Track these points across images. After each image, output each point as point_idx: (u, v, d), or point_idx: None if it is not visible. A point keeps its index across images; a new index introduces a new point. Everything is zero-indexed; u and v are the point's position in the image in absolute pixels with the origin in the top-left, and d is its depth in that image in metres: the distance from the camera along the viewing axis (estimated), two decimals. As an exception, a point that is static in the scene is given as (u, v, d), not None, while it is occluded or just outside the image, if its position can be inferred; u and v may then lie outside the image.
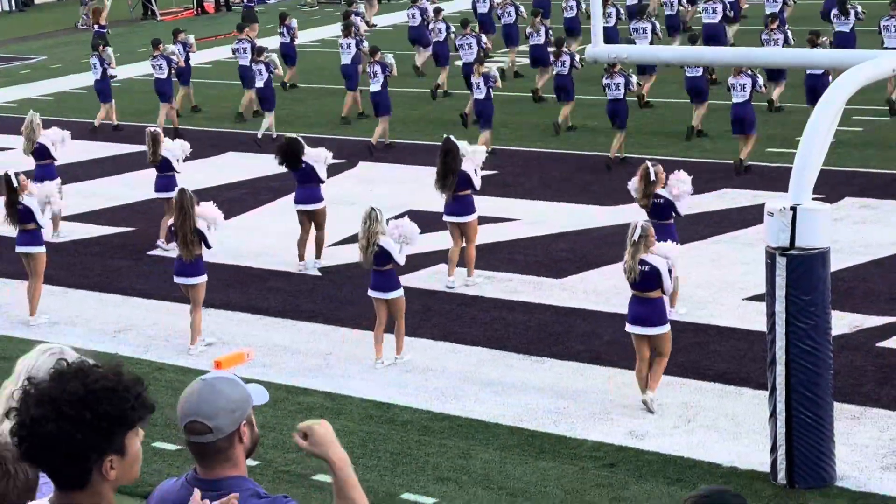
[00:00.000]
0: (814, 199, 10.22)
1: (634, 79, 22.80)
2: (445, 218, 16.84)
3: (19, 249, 16.39)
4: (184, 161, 19.24)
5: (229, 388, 4.39)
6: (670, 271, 12.73)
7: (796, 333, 9.86)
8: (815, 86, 20.78)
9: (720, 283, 16.09)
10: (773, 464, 10.76)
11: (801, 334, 9.86)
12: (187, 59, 27.85)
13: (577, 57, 23.83)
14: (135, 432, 3.85)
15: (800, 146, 9.73)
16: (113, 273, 18.01)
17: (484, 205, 19.31)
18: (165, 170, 18.82)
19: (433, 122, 25.47)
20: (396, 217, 15.41)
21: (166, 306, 16.63)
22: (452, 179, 16.44)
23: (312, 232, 17.83)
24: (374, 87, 24.05)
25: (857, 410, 12.46)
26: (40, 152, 20.15)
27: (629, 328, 12.94)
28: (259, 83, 25.43)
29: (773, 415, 10.62)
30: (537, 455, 11.97)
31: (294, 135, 18.54)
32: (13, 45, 39.36)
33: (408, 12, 32.01)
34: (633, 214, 18.84)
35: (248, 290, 17.12)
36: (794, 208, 9.61)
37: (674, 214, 15.08)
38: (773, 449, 10.69)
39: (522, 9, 30.30)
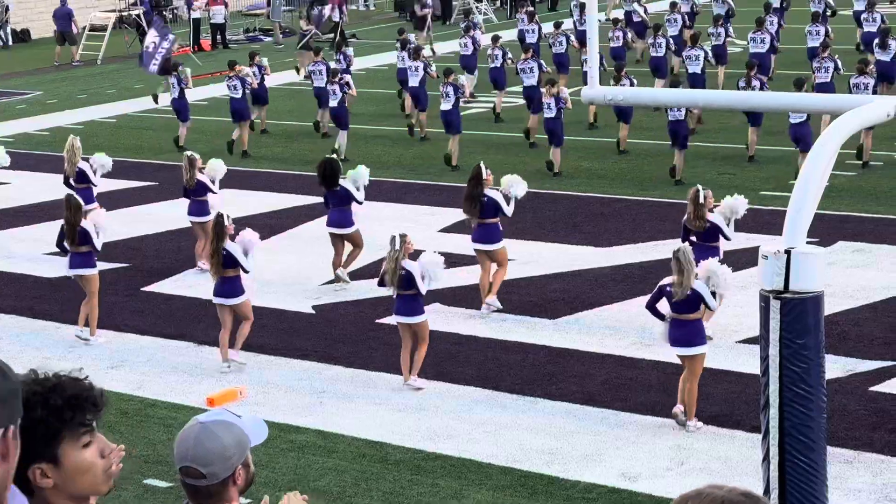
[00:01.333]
0: (808, 242, 10.24)
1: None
2: (473, 245, 17.24)
3: (72, 272, 16.77)
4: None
5: (226, 433, 4.32)
6: (714, 293, 13.42)
7: (790, 377, 9.84)
8: (798, 135, 21.59)
9: (714, 325, 16.07)
10: (766, 507, 10.72)
11: (795, 378, 9.84)
12: (262, 82, 28.65)
13: (564, 96, 23.91)
14: (75, 440, 3.55)
15: (794, 189, 9.72)
16: (106, 309, 17.97)
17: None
18: (200, 194, 19.14)
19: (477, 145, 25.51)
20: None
21: (159, 343, 16.62)
22: (476, 205, 16.96)
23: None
24: (446, 106, 25.23)
25: (851, 455, 12.46)
26: (80, 176, 20.51)
27: (677, 350, 13.40)
28: (333, 102, 26.47)
29: (766, 458, 10.58)
30: (530, 496, 11.95)
31: (332, 155, 18.76)
32: (9, 79, 39.38)
33: (460, 41, 32.98)
34: (626, 255, 18.98)
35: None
36: (788, 252, 9.60)
37: (721, 238, 15.78)
38: (766, 492, 10.64)
39: (574, 39, 32.06)
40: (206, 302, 17.19)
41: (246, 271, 15.42)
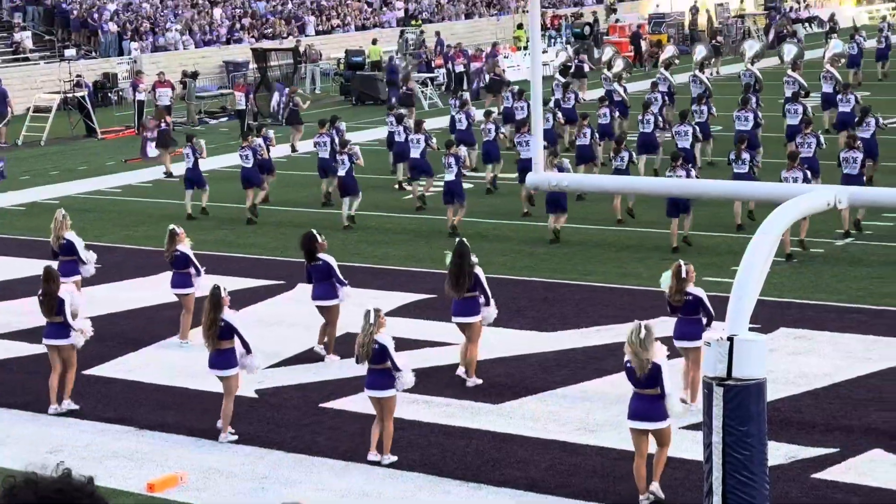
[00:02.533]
0: (750, 329, 10.31)
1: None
2: (454, 319, 17.54)
3: (47, 342, 17.00)
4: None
5: None
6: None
7: (733, 464, 9.87)
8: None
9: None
10: None
11: (738, 465, 9.87)
12: (268, 152, 29.95)
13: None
14: None
15: (737, 276, 9.81)
16: (45, 393, 17.78)
17: (422, 329, 19.38)
18: (182, 266, 19.41)
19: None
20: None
21: (98, 427, 16.43)
22: (465, 281, 17.16)
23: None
24: (449, 176, 26.27)
25: (793, 542, 12.46)
26: (66, 249, 20.67)
27: (630, 424, 13.40)
28: (342, 172, 27.28)
29: (710, 546, 10.57)
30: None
31: (313, 230, 19.03)
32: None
33: (456, 116, 33.87)
34: (570, 340, 19.01)
35: (183, 411, 16.95)
36: (731, 339, 9.67)
37: (702, 311, 15.79)
38: (711, 580, 10.62)
39: (560, 116, 33.88)
40: (147, 385, 17.07)
41: (245, 343, 15.57)
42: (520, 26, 56.56)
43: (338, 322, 18.58)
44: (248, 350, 15.64)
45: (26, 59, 51.15)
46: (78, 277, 20.28)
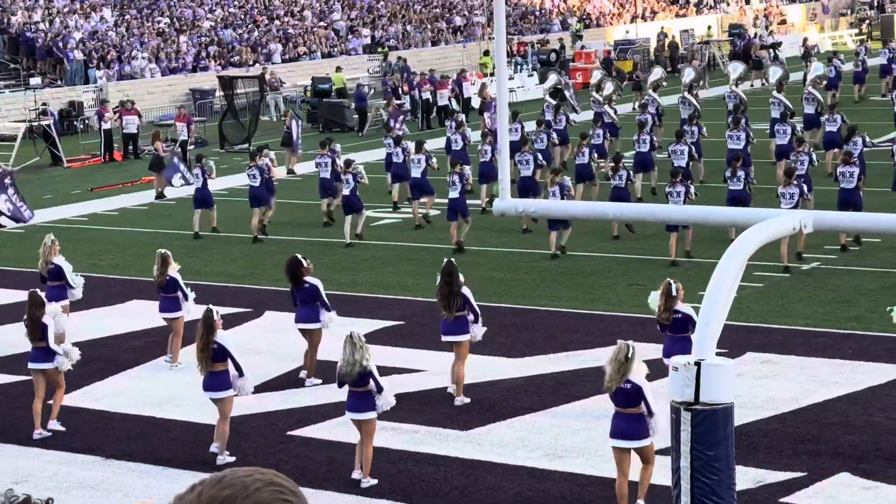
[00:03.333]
0: (717, 354, 10.33)
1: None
2: (444, 338, 17.78)
3: (32, 366, 17.18)
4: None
5: None
6: None
7: (701, 489, 9.87)
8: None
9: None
10: None
11: (706, 490, 9.87)
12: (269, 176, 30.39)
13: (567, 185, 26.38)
14: None
15: (704, 301, 9.83)
16: (11, 422, 17.66)
17: (390, 355, 19.33)
18: (171, 291, 19.60)
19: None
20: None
21: (66, 457, 16.31)
22: (455, 300, 17.41)
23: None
24: (453, 194, 27.01)
25: (762, 566, 12.47)
26: (54, 274, 20.83)
27: (612, 443, 13.59)
28: (346, 191, 28.08)
29: (679, 571, 10.57)
30: None
31: (298, 255, 19.15)
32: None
33: (452, 137, 34.32)
34: (539, 366, 19.00)
35: (150, 440, 16.85)
36: (698, 363, 9.68)
37: (691, 329, 15.67)
38: None
39: (554, 136, 34.77)
40: (113, 414, 16.96)
41: (237, 365, 15.75)
42: (486, 53, 56.66)
43: (319, 347, 18.58)
44: (240, 373, 15.77)
45: (-9, 87, 50.99)
46: (66, 302, 20.41)
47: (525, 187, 28.92)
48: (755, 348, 19.24)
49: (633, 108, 44.64)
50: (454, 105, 47.69)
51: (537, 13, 72.05)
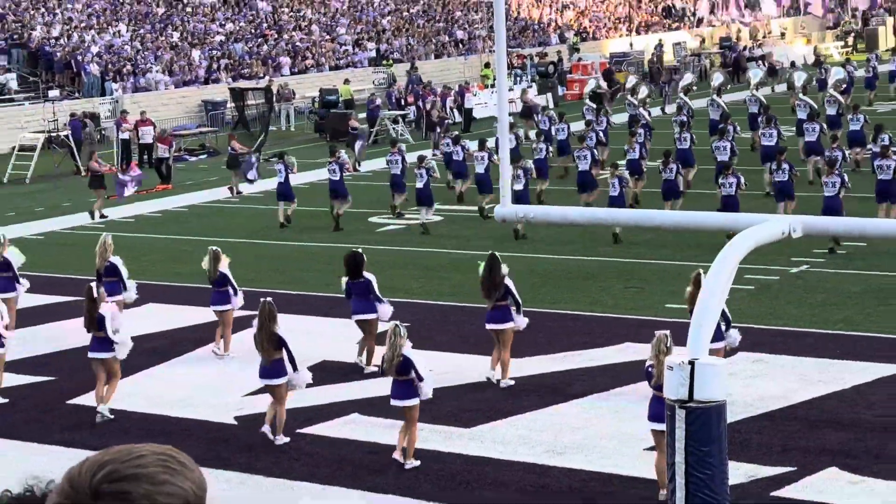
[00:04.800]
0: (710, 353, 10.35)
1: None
2: (487, 326, 18.27)
3: (92, 355, 17.62)
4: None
5: None
6: None
7: (696, 483, 9.88)
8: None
9: (622, 434, 16.14)
10: None
11: (701, 484, 9.88)
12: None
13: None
14: None
15: (697, 304, 9.86)
16: (35, 419, 17.71)
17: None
18: (221, 285, 20.30)
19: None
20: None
21: (84, 454, 16.27)
22: (495, 291, 17.88)
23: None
24: (518, 186, 27.23)
25: (754, 557, 12.50)
26: (110, 270, 21.39)
27: (651, 425, 13.71)
28: (419, 184, 29.56)
29: (674, 563, 10.58)
30: None
31: (358, 249, 19.81)
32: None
33: (454, 149, 34.45)
34: (540, 366, 19.01)
35: (170, 438, 16.85)
36: (692, 363, 9.70)
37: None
38: None
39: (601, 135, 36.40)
40: (132, 413, 16.99)
41: (292, 359, 16.20)
42: (487, 65, 56.69)
43: (376, 334, 18.99)
44: (294, 367, 16.18)
45: (11, 100, 51.00)
46: (120, 298, 21.03)
47: (583, 182, 30.18)
48: (746, 348, 19.21)
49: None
50: (456, 115, 47.74)
51: (535, 27, 72.11)
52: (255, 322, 16.50)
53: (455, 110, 48.53)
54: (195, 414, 17.71)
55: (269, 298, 16.69)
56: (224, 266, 20.30)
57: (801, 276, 23.94)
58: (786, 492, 14.14)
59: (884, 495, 14.02)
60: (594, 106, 41.92)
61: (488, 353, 19.79)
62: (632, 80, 48.16)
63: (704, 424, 9.84)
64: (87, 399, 18.36)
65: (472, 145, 33.51)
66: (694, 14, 79.33)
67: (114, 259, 21.51)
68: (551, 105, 50.21)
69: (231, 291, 20.25)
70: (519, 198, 27.06)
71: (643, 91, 44.32)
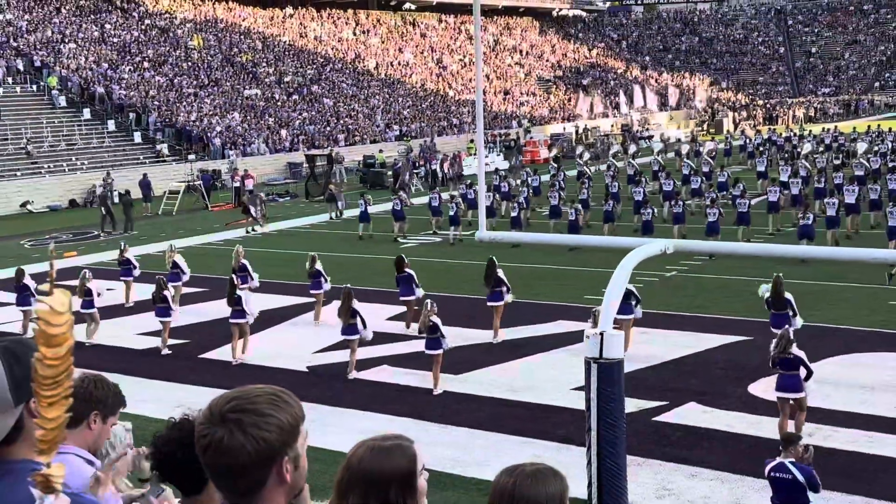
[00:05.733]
0: (614, 328, 10.32)
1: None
2: (488, 303, 18.37)
3: (232, 321, 17.62)
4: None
5: None
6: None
7: (603, 411, 9.85)
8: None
9: (556, 380, 16.08)
10: (589, 495, 10.63)
11: (606, 412, 9.84)
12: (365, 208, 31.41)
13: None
14: None
15: (605, 297, 9.82)
16: (171, 370, 17.59)
17: (398, 328, 19.13)
18: (317, 277, 20.19)
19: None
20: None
21: (213, 391, 16.18)
22: (490, 280, 18.16)
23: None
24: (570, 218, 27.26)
25: (640, 461, 12.44)
26: (242, 268, 21.27)
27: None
28: (451, 212, 29.24)
29: (589, 462, 10.48)
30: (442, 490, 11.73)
31: (402, 255, 19.97)
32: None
33: (467, 191, 33.13)
34: (505, 334, 18.82)
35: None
36: (601, 334, 9.68)
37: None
38: (589, 485, 10.56)
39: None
40: (248, 366, 16.75)
41: (363, 321, 16.24)
42: (471, 141, 56.72)
43: (413, 309, 19.08)
44: (364, 325, 16.33)
45: (164, 160, 50.99)
46: (179, 283, 21.57)
47: (553, 212, 29.81)
48: (636, 324, 19.14)
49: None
50: (449, 174, 47.56)
51: (503, 116, 72.13)
52: (340, 300, 16.63)
53: (450, 169, 48.42)
54: (274, 364, 17.59)
55: (348, 284, 16.87)
56: (318, 264, 20.39)
57: (672, 278, 23.88)
58: (662, 417, 14.10)
59: (725, 420, 13.99)
60: (556, 165, 42.17)
61: (470, 327, 19.69)
62: (579, 149, 48.97)
63: (609, 374, 9.79)
64: (218, 353, 18.25)
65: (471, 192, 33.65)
66: (595, 110, 79.31)
67: (243, 261, 21.44)
68: (518, 163, 50.02)
69: (322, 280, 20.28)
70: (514, 222, 28.28)
71: (586, 156, 44.87)
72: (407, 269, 19.16)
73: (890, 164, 37.33)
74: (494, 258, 18.63)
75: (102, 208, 36.29)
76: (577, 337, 17.46)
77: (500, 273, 18.36)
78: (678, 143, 55.65)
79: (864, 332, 18.11)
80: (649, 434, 13.42)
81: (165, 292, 18.55)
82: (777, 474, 9.81)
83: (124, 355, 18.81)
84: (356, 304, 16.31)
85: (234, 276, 18.79)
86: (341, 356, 17.92)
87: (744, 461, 12.22)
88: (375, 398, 15.53)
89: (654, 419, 14.05)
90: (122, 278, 23.14)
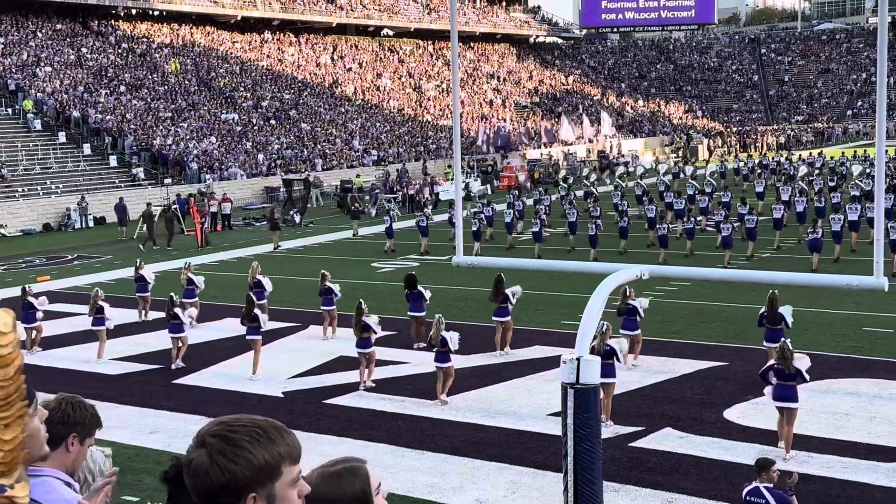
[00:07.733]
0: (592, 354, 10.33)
1: None
2: (493, 318, 19.03)
3: (249, 337, 17.97)
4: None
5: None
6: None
7: (579, 436, 9.85)
8: None
9: (533, 405, 16.06)
10: (566, 520, 10.59)
11: (583, 437, 9.84)
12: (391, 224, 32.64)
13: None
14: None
15: (581, 322, 9.85)
16: (146, 392, 17.42)
17: (388, 353, 19.14)
18: (328, 293, 20.69)
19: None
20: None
21: (179, 417, 16.06)
22: (499, 296, 18.67)
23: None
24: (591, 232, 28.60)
25: (617, 486, 12.42)
26: (258, 284, 21.53)
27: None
28: (474, 228, 30.39)
29: (566, 488, 10.48)
30: (418, 514, 11.62)
31: (412, 273, 20.75)
32: (87, 249, 38.41)
33: (419, 218, 33.91)
34: (481, 360, 18.84)
35: (241, 407, 16.61)
36: (578, 359, 9.69)
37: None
38: (566, 510, 10.54)
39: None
40: (212, 389, 16.63)
41: (374, 331, 16.81)
42: (449, 166, 56.87)
43: (424, 325, 19.54)
44: (375, 332, 16.92)
45: (139, 184, 50.75)
46: (195, 299, 21.70)
47: (537, 235, 30.20)
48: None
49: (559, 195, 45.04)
50: (427, 196, 47.72)
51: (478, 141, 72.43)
52: (354, 315, 17.07)
53: (429, 194, 48.55)
54: (264, 391, 17.45)
55: (361, 300, 17.31)
56: (329, 281, 20.67)
57: (651, 305, 23.89)
58: (639, 444, 14.10)
59: (701, 445, 14.01)
60: (542, 189, 43.30)
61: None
62: (563, 173, 50.62)
63: (585, 399, 9.81)
64: (187, 380, 17.97)
65: (442, 217, 33.85)
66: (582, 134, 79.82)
67: (259, 277, 21.51)
68: (489, 191, 50.77)
69: (333, 296, 20.60)
70: (536, 236, 29.82)
71: (593, 177, 47.23)
72: (419, 288, 19.69)
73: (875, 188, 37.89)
74: (502, 274, 19.12)
75: (145, 225, 37.08)
76: (554, 362, 17.50)
77: (508, 290, 19.00)
78: (803, 160, 56.25)
79: (836, 357, 18.23)
80: (625, 460, 13.40)
81: (176, 309, 18.48)
82: (752, 499, 9.86)
83: (98, 380, 18.62)
84: (366, 319, 16.82)
85: (250, 293, 19.03)
86: (317, 381, 17.82)
87: (719, 487, 12.23)
88: (351, 423, 15.44)
89: (630, 444, 14.03)
90: (137, 294, 23.43)
